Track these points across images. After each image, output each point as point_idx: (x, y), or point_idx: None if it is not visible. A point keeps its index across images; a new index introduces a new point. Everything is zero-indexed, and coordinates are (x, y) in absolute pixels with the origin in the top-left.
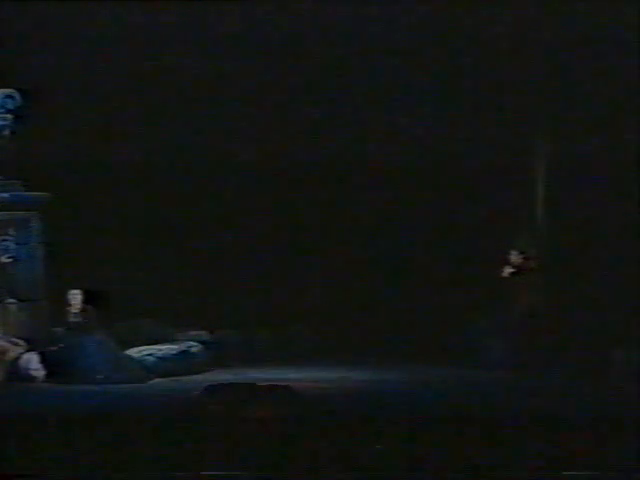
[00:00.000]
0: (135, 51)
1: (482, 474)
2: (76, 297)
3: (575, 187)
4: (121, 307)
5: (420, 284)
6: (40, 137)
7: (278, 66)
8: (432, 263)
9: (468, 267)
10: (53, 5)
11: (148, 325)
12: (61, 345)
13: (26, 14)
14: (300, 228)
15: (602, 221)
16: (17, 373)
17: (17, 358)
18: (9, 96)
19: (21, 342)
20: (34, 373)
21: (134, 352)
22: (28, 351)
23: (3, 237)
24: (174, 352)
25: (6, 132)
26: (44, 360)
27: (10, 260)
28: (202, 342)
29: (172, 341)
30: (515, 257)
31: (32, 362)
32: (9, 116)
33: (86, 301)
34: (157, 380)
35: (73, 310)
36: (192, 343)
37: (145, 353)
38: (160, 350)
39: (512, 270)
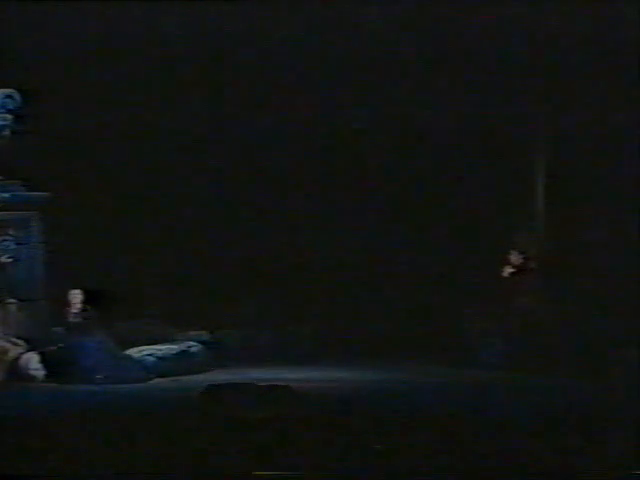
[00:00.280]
0: (135, 51)
1: (482, 474)
2: (76, 297)
3: (575, 187)
4: (121, 307)
5: (420, 284)
6: (40, 137)
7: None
8: (432, 263)
9: (468, 267)
10: (53, 5)
11: (148, 325)
12: (61, 345)
13: (26, 14)
14: (300, 228)
15: (602, 221)
16: (17, 373)
17: (17, 358)
18: (9, 96)
19: (21, 342)
20: (34, 373)
21: (134, 352)
22: (28, 351)
23: (3, 237)
24: (174, 352)
25: (6, 132)
26: (44, 360)
27: (10, 260)
28: (202, 342)
29: (172, 341)
30: (515, 257)
31: (32, 362)
32: (9, 116)
33: (86, 301)
34: (157, 380)
35: (73, 310)
36: (192, 343)
37: (145, 353)
38: (160, 350)
39: (512, 270)
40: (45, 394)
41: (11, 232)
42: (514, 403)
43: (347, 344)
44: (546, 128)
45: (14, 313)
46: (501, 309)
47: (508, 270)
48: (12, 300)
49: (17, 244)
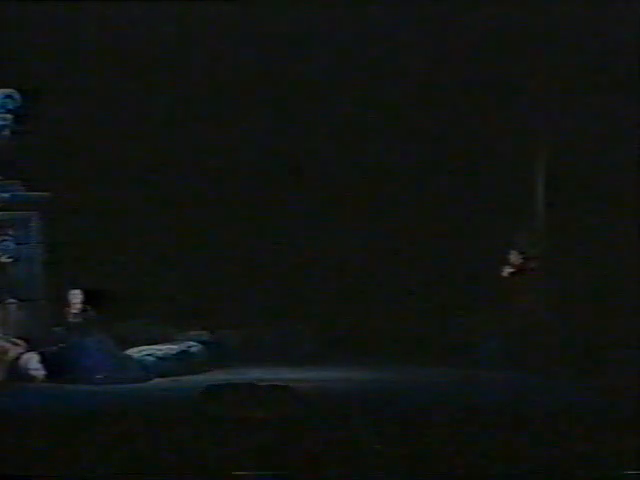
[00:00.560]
0: (135, 51)
1: (482, 474)
2: (76, 297)
3: (575, 187)
4: (121, 307)
5: (420, 284)
6: (40, 137)
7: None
8: (432, 263)
9: (468, 267)
10: (53, 5)
11: (148, 325)
12: (61, 345)
13: (26, 14)
14: (300, 228)
15: (602, 221)
16: (17, 373)
17: (17, 358)
18: (9, 96)
19: (21, 342)
20: (34, 373)
21: (134, 352)
22: (28, 351)
23: (3, 237)
24: (174, 352)
25: (6, 132)
26: (44, 360)
27: (10, 260)
28: (202, 342)
29: (172, 341)
30: (515, 257)
31: (32, 362)
32: (9, 116)
33: (86, 301)
34: (157, 380)
35: (73, 310)
36: (192, 343)
37: (145, 353)
38: (160, 350)
39: (512, 270)
40: (45, 394)
41: (11, 232)
42: (514, 403)
43: (347, 344)
44: (546, 128)
45: (14, 313)
46: (501, 309)
47: (508, 270)
48: (12, 300)
49: (17, 244)
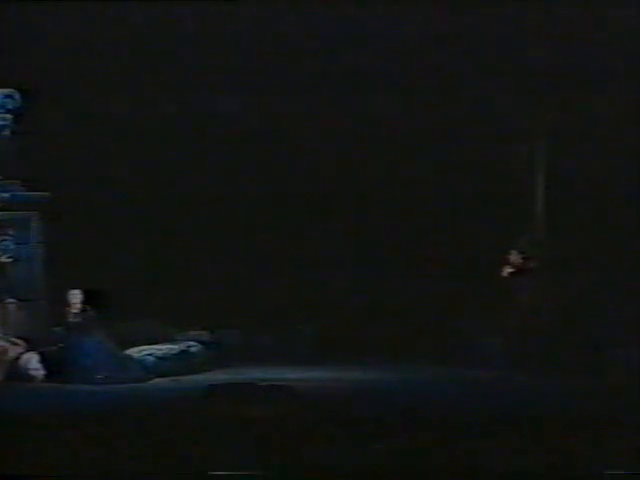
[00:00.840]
0: (135, 51)
1: (482, 474)
2: (76, 297)
3: (575, 187)
4: (121, 307)
5: (420, 284)
6: (40, 137)
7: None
8: (432, 263)
9: (468, 267)
10: (53, 5)
11: (148, 325)
12: (61, 345)
13: (26, 14)
14: (300, 228)
15: (602, 221)
16: (17, 373)
17: (17, 358)
18: (9, 96)
19: (21, 342)
20: (34, 373)
21: (134, 352)
22: (28, 351)
23: (3, 237)
24: (174, 352)
25: (6, 132)
26: (44, 360)
27: (10, 260)
28: (202, 342)
29: (172, 341)
30: (515, 257)
31: (32, 362)
32: (9, 116)
33: (86, 301)
34: (157, 380)
35: (73, 310)
36: (192, 343)
37: (145, 353)
38: (160, 350)
39: (512, 270)
40: (45, 394)
41: (11, 232)
42: (513, 403)
43: (347, 344)
44: (547, 128)
45: (14, 313)
46: (501, 309)
47: (508, 270)
48: (12, 300)
49: (17, 244)
